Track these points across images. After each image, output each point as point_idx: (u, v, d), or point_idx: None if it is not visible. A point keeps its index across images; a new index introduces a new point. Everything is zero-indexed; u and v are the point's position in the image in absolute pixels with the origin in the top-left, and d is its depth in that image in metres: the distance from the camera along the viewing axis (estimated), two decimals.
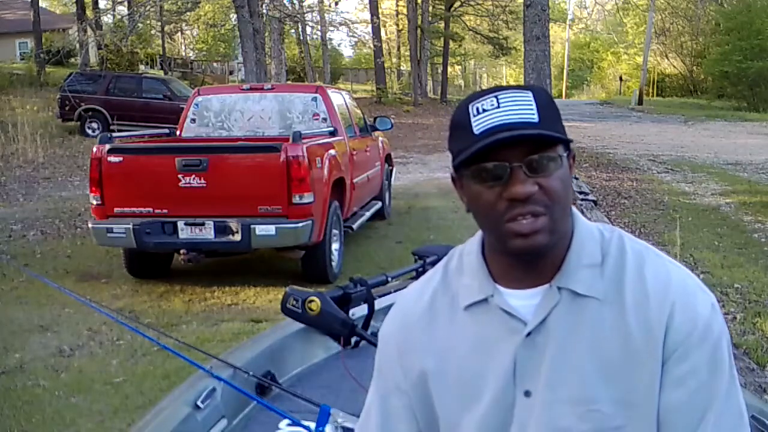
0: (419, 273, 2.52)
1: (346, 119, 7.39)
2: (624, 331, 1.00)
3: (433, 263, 1.90)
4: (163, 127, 8.33)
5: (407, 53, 35.80)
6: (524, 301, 1.04)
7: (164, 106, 17.35)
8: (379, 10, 32.47)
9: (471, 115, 0.99)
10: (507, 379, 1.03)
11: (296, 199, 5.52)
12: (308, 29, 34.35)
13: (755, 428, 1.70)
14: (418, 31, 30.61)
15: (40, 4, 29.04)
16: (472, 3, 33.00)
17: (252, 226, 5.48)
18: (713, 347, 1.00)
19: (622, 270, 1.03)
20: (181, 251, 5.86)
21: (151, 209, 5.65)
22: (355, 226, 6.94)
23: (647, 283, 1.01)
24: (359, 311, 2.28)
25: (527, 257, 1.01)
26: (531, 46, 9.70)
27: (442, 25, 33.88)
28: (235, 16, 17.83)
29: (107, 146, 5.70)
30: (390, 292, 2.46)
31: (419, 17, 30.56)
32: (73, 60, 27.94)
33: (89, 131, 17.56)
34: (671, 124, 24.41)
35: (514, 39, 33.31)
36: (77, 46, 23.58)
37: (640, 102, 34.52)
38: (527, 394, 1.03)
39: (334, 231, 6.18)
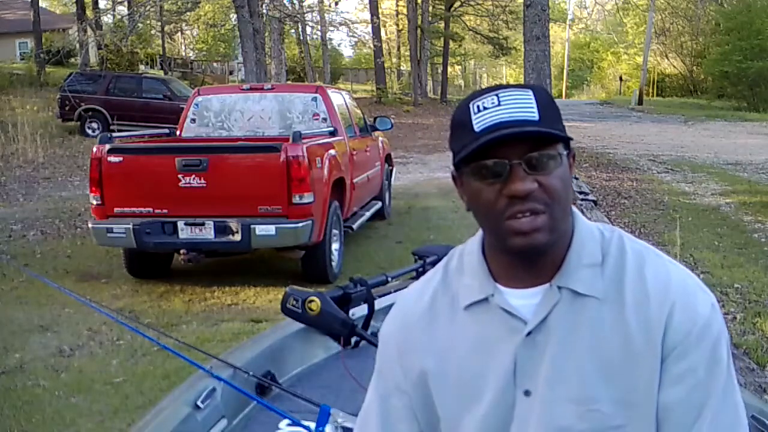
0: (419, 273, 2.52)
1: (346, 119, 7.39)
2: (624, 330, 1.00)
3: (433, 263, 1.90)
4: (163, 127, 8.33)
5: (407, 53, 35.81)
6: (524, 300, 1.04)
7: (164, 106, 17.35)
8: (379, 10, 32.48)
9: (472, 113, 0.99)
10: (507, 379, 1.03)
11: (296, 199, 5.52)
12: (308, 29, 34.40)
13: (755, 428, 1.70)
14: (418, 31, 30.62)
15: (40, 4, 29.05)
16: (472, 3, 33.00)
17: (252, 226, 5.48)
18: (712, 346, 1.00)
19: (622, 270, 1.03)
20: (181, 251, 5.86)
21: (151, 209, 5.65)
22: (355, 226, 6.94)
23: (647, 283, 1.01)
24: (359, 311, 2.28)
25: (527, 255, 1.02)
26: (531, 46, 9.70)
27: (442, 25, 33.88)
28: (235, 16, 17.83)
29: (107, 146, 5.70)
30: (390, 292, 2.46)
31: (419, 17, 30.56)
32: (73, 60, 27.94)
33: (89, 131, 17.56)
34: (671, 124, 24.42)
35: (514, 39, 33.31)
36: (77, 46, 23.58)
37: (640, 102, 34.52)
38: (527, 393, 1.03)
39: (334, 231, 6.18)
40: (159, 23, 30.64)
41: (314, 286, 4.19)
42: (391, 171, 9.34)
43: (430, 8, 31.94)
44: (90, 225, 5.86)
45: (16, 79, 24.34)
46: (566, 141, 1.01)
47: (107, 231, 5.65)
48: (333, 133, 6.77)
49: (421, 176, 12.68)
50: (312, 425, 1.74)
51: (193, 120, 7.22)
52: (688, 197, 10.34)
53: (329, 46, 37.86)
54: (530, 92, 1.00)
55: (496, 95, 0.99)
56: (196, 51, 45.54)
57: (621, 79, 45.15)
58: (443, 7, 32.85)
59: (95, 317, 5.01)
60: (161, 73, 28.85)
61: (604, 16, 54.70)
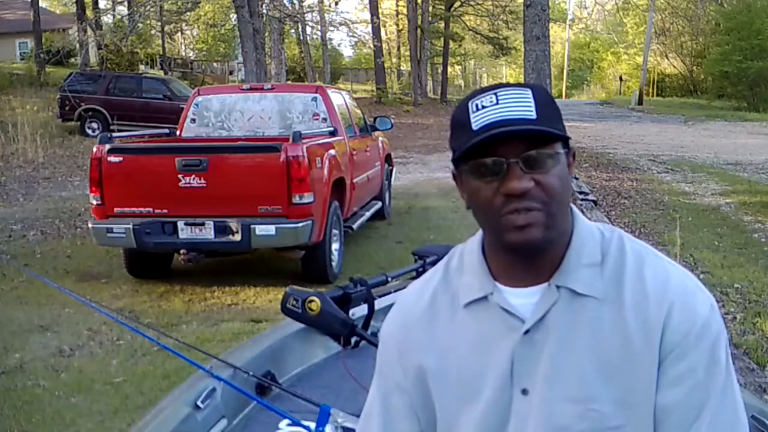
0: (419, 273, 2.52)
1: (346, 119, 7.39)
2: (623, 330, 1.00)
3: (433, 263, 1.90)
4: (163, 127, 8.33)
5: (407, 53, 35.81)
6: (523, 299, 1.04)
7: (164, 106, 17.35)
8: (379, 10, 32.48)
9: (470, 112, 1.00)
10: (504, 378, 1.03)
11: (296, 199, 5.52)
12: (308, 29, 34.40)
13: (755, 428, 1.70)
14: (418, 31, 30.62)
15: (40, 4, 29.05)
16: (472, 3, 33.01)
17: (252, 226, 5.48)
18: (711, 346, 1.00)
19: (621, 270, 1.03)
20: (181, 251, 5.86)
21: (151, 209, 5.65)
22: (355, 226, 6.94)
23: (646, 283, 1.01)
24: (359, 311, 2.28)
25: (523, 252, 1.02)
26: (531, 46, 9.71)
27: (442, 25, 33.88)
28: (235, 16, 17.83)
29: (107, 146, 5.70)
30: (390, 292, 2.46)
31: (419, 17, 30.56)
32: (73, 60, 27.94)
33: (89, 131, 17.56)
34: (671, 124, 24.42)
35: (514, 39, 33.31)
36: (77, 46, 23.58)
37: (640, 102, 34.52)
38: (524, 392, 1.03)
39: (334, 231, 6.18)
40: (159, 23, 30.65)
41: (314, 286, 4.19)
42: (391, 171, 9.34)
43: (430, 8, 31.94)
44: (90, 225, 5.86)
45: (16, 79, 24.35)
46: (564, 140, 1.01)
47: (107, 231, 5.65)
48: (333, 133, 6.77)
49: (421, 176, 12.68)
50: (312, 425, 1.74)
51: (193, 120, 7.22)
52: (688, 197, 10.35)
53: (329, 46, 37.88)
54: (529, 91, 1.00)
55: (495, 94, 1.00)
56: (196, 51, 45.54)
57: (621, 79, 45.15)
58: (443, 7, 32.86)
59: (95, 317, 5.01)
60: (161, 73, 28.85)
61: (604, 16, 54.71)
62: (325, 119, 7.00)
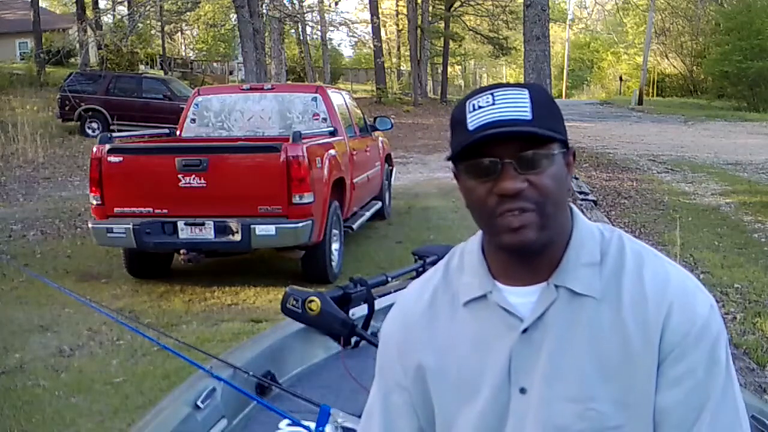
0: (419, 273, 2.52)
1: (346, 119, 7.39)
2: (622, 331, 1.00)
3: (433, 263, 1.90)
4: (163, 127, 8.33)
5: (407, 53, 35.81)
6: (522, 298, 1.04)
7: (164, 106, 17.35)
8: (379, 10, 32.47)
9: (467, 112, 1.00)
10: (502, 376, 1.04)
11: (296, 199, 5.52)
12: (308, 29, 34.41)
13: (755, 428, 1.70)
14: (418, 31, 30.62)
15: (40, 4, 29.05)
16: (472, 3, 33.01)
17: (252, 226, 5.48)
18: (711, 347, 1.00)
19: (620, 270, 1.03)
20: (181, 251, 5.86)
21: (151, 209, 5.65)
22: (355, 226, 6.94)
23: (645, 284, 1.01)
24: (359, 311, 2.28)
25: (518, 253, 1.02)
26: (531, 46, 9.72)
27: (442, 25, 33.88)
28: (235, 16, 17.83)
29: (107, 146, 5.70)
30: (390, 292, 2.46)
31: (419, 17, 30.57)
32: (73, 60, 27.94)
33: (89, 131, 17.56)
34: (671, 124, 24.42)
35: (514, 39, 33.31)
36: (77, 46, 23.59)
37: (640, 102, 34.52)
38: (522, 391, 1.03)
39: (334, 231, 6.18)
40: (159, 23, 30.64)
41: (314, 286, 4.20)
42: (391, 171, 9.34)
43: (430, 8, 31.94)
44: (90, 225, 5.86)
45: (16, 79, 24.35)
46: (561, 140, 1.01)
47: (107, 231, 5.65)
48: (333, 133, 6.77)
49: (421, 176, 12.68)
50: (312, 425, 1.74)
51: (193, 120, 7.22)
52: (688, 197, 10.35)
53: (329, 46, 37.88)
54: (526, 91, 1.00)
55: (492, 94, 1.00)
56: (196, 51, 45.54)
57: (621, 79, 45.15)
58: (443, 7, 32.86)
59: (95, 317, 5.01)
60: (161, 73, 28.85)
61: (604, 16, 54.72)
62: (325, 119, 7.00)
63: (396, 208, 9.37)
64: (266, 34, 21.60)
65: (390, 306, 1.22)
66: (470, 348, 1.07)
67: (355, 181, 6.98)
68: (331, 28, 35.96)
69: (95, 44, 23.63)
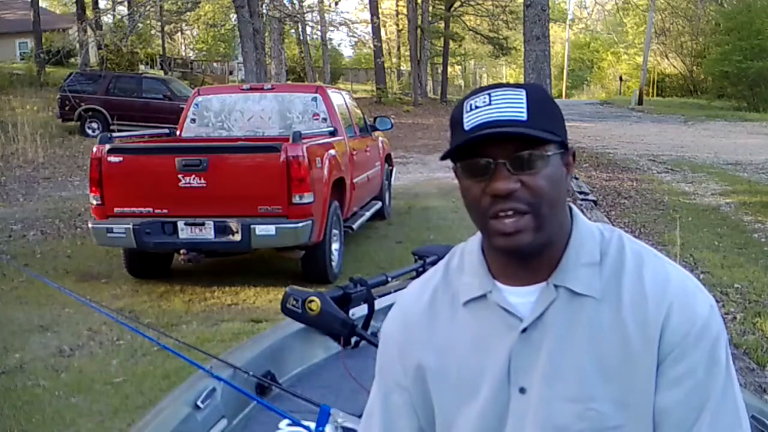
0: (419, 273, 2.52)
1: (346, 119, 7.39)
2: (622, 331, 1.00)
3: (433, 263, 1.90)
4: (163, 127, 8.33)
5: (407, 53, 35.81)
6: (522, 298, 1.04)
7: (164, 106, 17.35)
8: (379, 10, 32.47)
9: (464, 112, 1.01)
10: (502, 376, 1.04)
11: (296, 199, 5.52)
12: (308, 29, 34.40)
13: (755, 428, 1.70)
14: (418, 31, 30.62)
15: (40, 4, 29.05)
16: (472, 3, 33.00)
17: (252, 226, 5.48)
18: (711, 347, 1.00)
19: (620, 270, 1.03)
20: (181, 251, 5.86)
21: (151, 209, 5.65)
22: (355, 226, 6.94)
23: (645, 284, 1.01)
24: (359, 311, 2.28)
25: (513, 256, 1.03)
26: (531, 46, 9.71)
27: (442, 25, 33.88)
28: (235, 16, 17.83)
29: (107, 146, 5.70)
30: (390, 292, 2.46)
31: (419, 17, 30.56)
32: (73, 60, 27.94)
33: (89, 131, 17.56)
34: (671, 124, 24.42)
35: (514, 39, 33.31)
36: (77, 46, 23.58)
37: (640, 102, 34.52)
38: (522, 390, 1.03)
39: (334, 231, 6.18)
40: (159, 23, 30.64)
41: (314, 286, 4.19)
42: (391, 171, 9.34)
43: (430, 8, 31.94)
44: (90, 225, 5.86)
45: (16, 79, 24.35)
46: (558, 141, 1.01)
47: (107, 231, 5.65)
48: (333, 133, 6.77)
49: (421, 176, 12.68)
50: (312, 425, 1.74)
51: (193, 120, 7.22)
52: (688, 197, 10.35)
53: (329, 46, 37.88)
54: (523, 92, 1.00)
55: (489, 94, 1.00)
56: (196, 51, 45.55)
57: (621, 79, 45.15)
58: (443, 7, 32.86)
59: (95, 317, 5.01)
60: (161, 73, 28.86)
61: (604, 16, 54.71)
62: (325, 119, 7.00)
63: (396, 208, 9.37)
64: (266, 34, 21.60)
65: (390, 306, 1.22)
66: (470, 348, 1.07)
67: (355, 181, 6.98)
68: (331, 28, 36.00)
69: (95, 44, 23.64)
